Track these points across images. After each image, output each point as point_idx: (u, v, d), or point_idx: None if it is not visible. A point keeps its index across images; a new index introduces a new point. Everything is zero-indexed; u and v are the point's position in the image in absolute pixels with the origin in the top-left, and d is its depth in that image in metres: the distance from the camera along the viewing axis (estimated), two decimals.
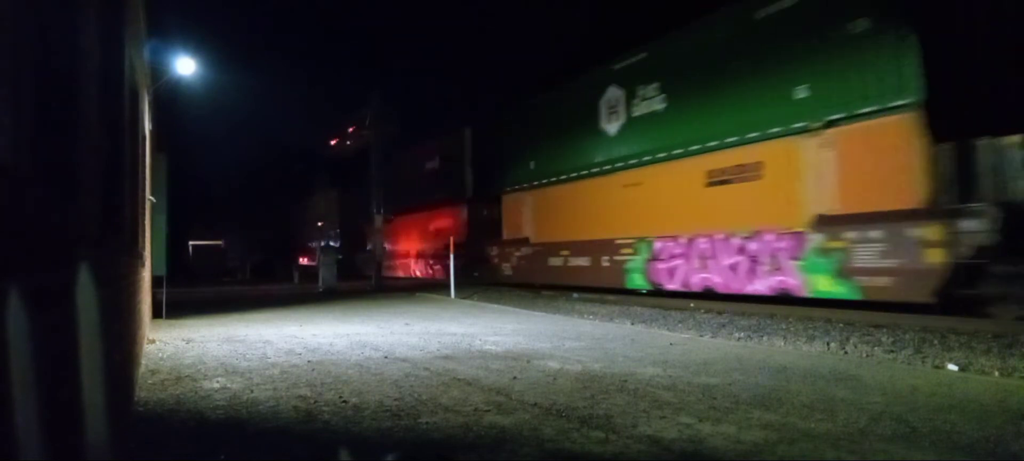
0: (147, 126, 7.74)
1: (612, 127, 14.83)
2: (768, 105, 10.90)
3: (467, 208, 23.03)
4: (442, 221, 25.09)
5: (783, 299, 10.78)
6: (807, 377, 4.84)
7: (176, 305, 11.75)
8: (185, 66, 11.75)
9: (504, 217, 19.86)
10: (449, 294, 15.45)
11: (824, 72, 10.02)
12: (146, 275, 7.85)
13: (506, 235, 19.65)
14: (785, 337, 7.86)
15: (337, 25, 71.99)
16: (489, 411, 3.90)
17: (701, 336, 7.89)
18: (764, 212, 10.94)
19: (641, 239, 13.72)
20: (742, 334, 8.23)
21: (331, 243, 34.57)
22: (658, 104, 13.45)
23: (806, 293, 10.09)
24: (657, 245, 13.27)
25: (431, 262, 26.32)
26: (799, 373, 5.00)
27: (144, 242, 7.10)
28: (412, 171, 28.17)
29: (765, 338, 7.85)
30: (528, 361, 5.73)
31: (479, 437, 3.38)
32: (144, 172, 6.89)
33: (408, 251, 29.07)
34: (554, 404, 4.06)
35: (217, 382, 4.94)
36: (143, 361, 5.93)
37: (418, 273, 27.30)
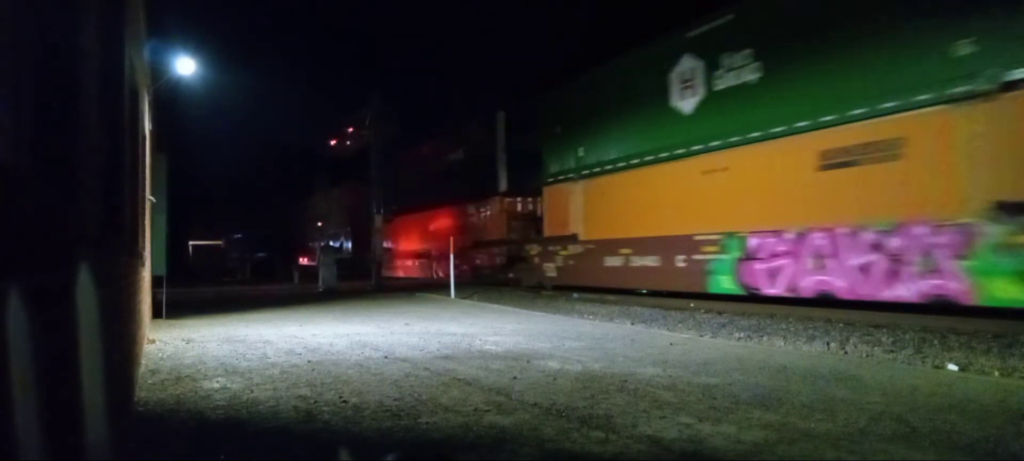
0: (147, 126, 7.74)
1: (687, 104, 12.55)
2: (912, 67, 8.85)
3: (500, 203, 20.50)
4: (468, 218, 23.01)
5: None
6: (807, 377, 4.84)
7: (176, 305, 11.75)
8: (185, 66, 11.76)
9: (546, 212, 17.48)
10: (449, 294, 15.45)
11: (1001, 19, 7.92)
12: (146, 275, 7.85)
13: (548, 232, 17.21)
14: (785, 337, 7.86)
15: (337, 25, 72.01)
16: (489, 411, 3.90)
17: (701, 336, 7.89)
18: (909, 200, 8.82)
19: (729, 234, 11.53)
20: (742, 334, 8.23)
21: (331, 243, 34.54)
22: (750, 74, 11.25)
23: (976, 300, 8.12)
24: (752, 242, 11.09)
25: (456, 262, 24.49)
26: (799, 373, 5.00)
27: (144, 242, 7.10)
28: (431, 165, 26.17)
29: (765, 338, 7.85)
30: (528, 361, 5.73)
31: (479, 437, 3.38)
32: (144, 172, 6.89)
33: (427, 250, 26.81)
34: (554, 404, 4.06)
35: (217, 382, 4.94)
36: (143, 361, 5.93)
37: (441, 274, 24.87)
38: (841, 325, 8.70)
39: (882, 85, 9.16)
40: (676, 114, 12.84)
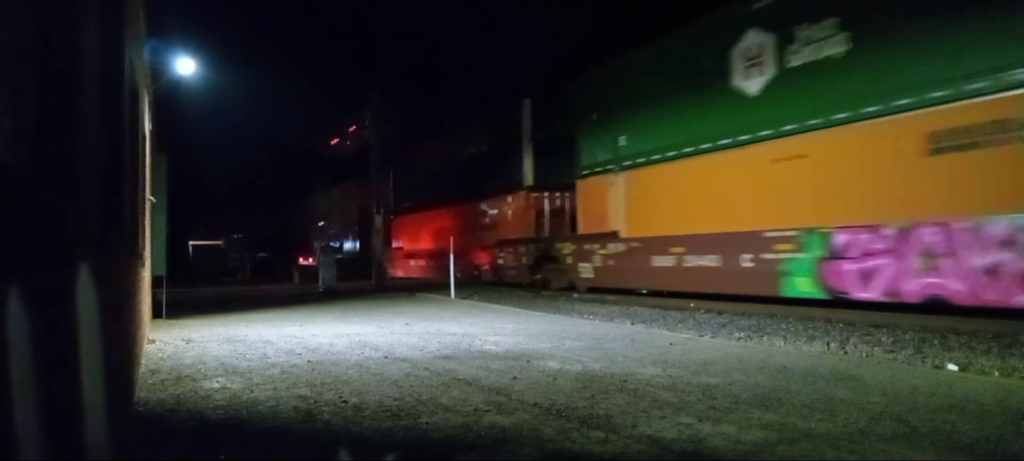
0: (147, 126, 7.74)
1: (753, 84, 11.08)
2: None
3: (526, 198, 18.62)
4: (489, 214, 20.89)
5: (781, 299, 10.31)
6: (807, 377, 4.84)
7: (176, 305, 11.75)
8: (185, 66, 11.76)
9: (581, 207, 15.76)
10: (449, 294, 15.46)
11: None
12: (146, 275, 7.85)
13: (583, 229, 15.55)
14: (785, 337, 7.86)
15: (337, 25, 72.05)
16: (489, 411, 3.90)
17: (701, 336, 7.89)
18: None
19: (809, 231, 10.08)
20: (742, 334, 8.23)
21: (332, 243, 34.51)
22: (834, 47, 9.83)
23: None
24: (839, 238, 9.65)
25: (476, 263, 22.03)
26: (799, 373, 5.00)
27: (144, 242, 7.10)
28: (448, 159, 24.14)
29: (765, 338, 7.85)
30: (528, 361, 5.73)
31: (479, 437, 3.38)
32: (144, 172, 6.89)
33: (443, 249, 24.72)
34: (554, 404, 4.06)
35: (217, 382, 4.94)
36: (143, 361, 5.93)
37: (459, 274, 23.31)
38: (841, 325, 8.70)
39: (1013, 54, 7.77)
40: (739, 96, 11.31)
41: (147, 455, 3.27)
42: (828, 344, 7.24)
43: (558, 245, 16.68)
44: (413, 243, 27.52)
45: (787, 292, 10.29)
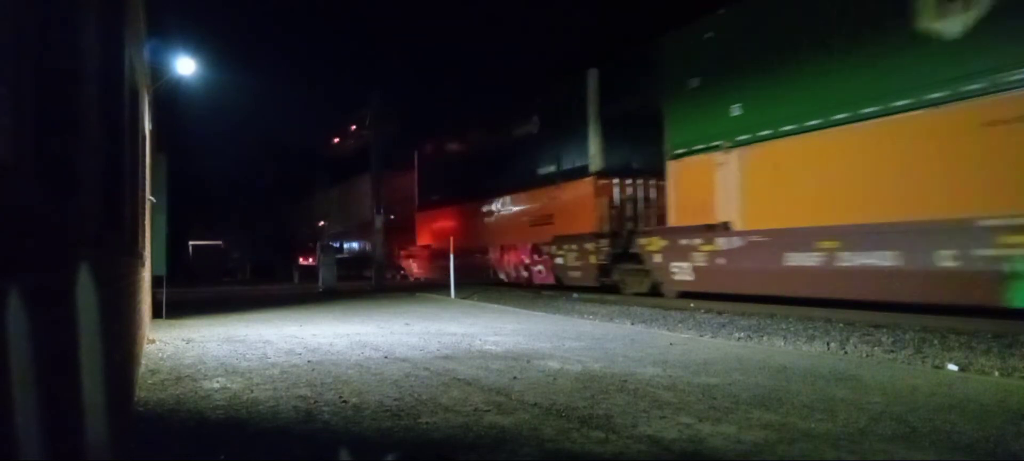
0: (147, 126, 7.74)
1: (950, 25, 8.53)
2: None
3: (593, 185, 15.65)
4: (543, 207, 17.76)
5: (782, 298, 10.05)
6: (807, 377, 4.84)
7: (176, 305, 11.75)
8: (185, 66, 11.76)
9: (673, 195, 13.08)
10: (449, 294, 15.46)
11: None
12: (146, 275, 7.85)
13: (676, 221, 12.93)
14: (785, 337, 7.86)
15: (337, 25, 72.09)
16: (489, 411, 3.90)
17: (701, 336, 7.89)
18: None
19: None
20: (742, 334, 8.23)
21: (332, 243, 34.50)
22: None
23: None
24: None
25: (525, 262, 18.76)
26: (799, 373, 5.00)
27: (144, 242, 7.10)
28: (488, 144, 21.18)
29: (765, 338, 7.85)
30: (528, 361, 5.73)
31: (479, 437, 3.38)
32: (144, 172, 6.89)
33: (482, 246, 21.27)
34: (554, 404, 4.06)
35: (217, 382, 4.94)
36: (143, 361, 5.94)
37: (504, 277, 19.99)
38: (841, 325, 8.69)
39: None
40: (926, 40, 8.79)
41: (147, 455, 3.28)
42: (828, 344, 7.24)
43: (641, 241, 13.95)
44: (441, 241, 24.23)
45: (1017, 303, 7.73)
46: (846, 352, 6.73)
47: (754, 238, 11.08)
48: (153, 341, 7.35)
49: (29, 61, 1.47)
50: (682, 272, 12.59)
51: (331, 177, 43.25)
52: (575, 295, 15.15)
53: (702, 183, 12.20)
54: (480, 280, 20.42)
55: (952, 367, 5.72)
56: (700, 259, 12.12)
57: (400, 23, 70.01)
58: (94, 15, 2.55)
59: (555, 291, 16.43)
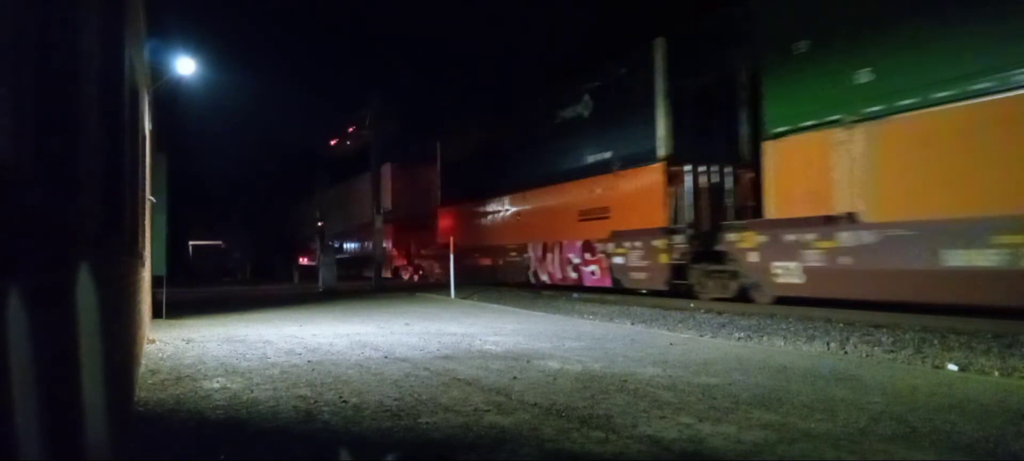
0: (147, 126, 7.74)
1: None
2: None
3: (661, 172, 13.39)
4: (597, 199, 15.55)
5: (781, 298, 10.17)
6: (807, 377, 4.84)
7: (176, 305, 11.75)
8: (185, 66, 11.76)
9: (773, 181, 11.08)
10: (449, 294, 15.46)
11: None
12: (146, 275, 7.85)
13: (778, 212, 10.94)
14: (785, 337, 7.86)
15: (337, 25, 72.10)
16: (489, 411, 3.90)
17: (701, 336, 7.89)
18: None
19: None
20: (742, 334, 8.23)
21: (332, 243, 34.49)
22: None
23: None
24: None
25: (573, 262, 16.49)
26: (799, 373, 5.00)
27: (144, 242, 7.10)
28: (530, 129, 18.87)
29: (765, 338, 7.85)
30: (528, 361, 5.73)
31: (479, 437, 3.38)
32: (144, 172, 6.89)
33: (522, 244, 18.82)
34: (554, 404, 4.06)
35: (217, 382, 4.94)
36: (143, 361, 5.94)
37: (545, 279, 17.69)
38: (841, 325, 8.69)
39: None
40: None
41: (147, 455, 3.28)
42: (828, 344, 7.24)
43: (729, 237, 11.88)
44: (469, 239, 21.50)
45: None
46: (846, 352, 6.73)
47: (893, 231, 9.04)
48: (153, 341, 7.35)
49: (29, 61, 1.47)
50: (788, 274, 10.63)
51: (331, 177, 43.24)
52: (575, 295, 15.15)
53: (814, 166, 10.28)
54: (516, 284, 18.73)
55: (952, 367, 5.72)
56: (814, 258, 10.17)
57: (400, 23, 70.07)
58: (94, 15, 2.55)
59: (555, 291, 16.42)
